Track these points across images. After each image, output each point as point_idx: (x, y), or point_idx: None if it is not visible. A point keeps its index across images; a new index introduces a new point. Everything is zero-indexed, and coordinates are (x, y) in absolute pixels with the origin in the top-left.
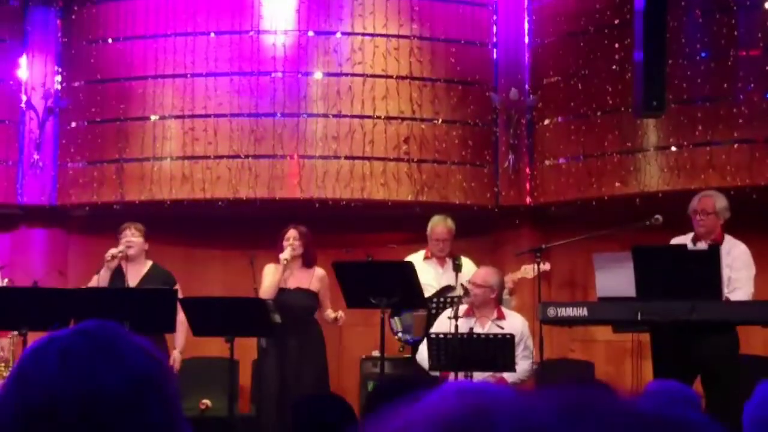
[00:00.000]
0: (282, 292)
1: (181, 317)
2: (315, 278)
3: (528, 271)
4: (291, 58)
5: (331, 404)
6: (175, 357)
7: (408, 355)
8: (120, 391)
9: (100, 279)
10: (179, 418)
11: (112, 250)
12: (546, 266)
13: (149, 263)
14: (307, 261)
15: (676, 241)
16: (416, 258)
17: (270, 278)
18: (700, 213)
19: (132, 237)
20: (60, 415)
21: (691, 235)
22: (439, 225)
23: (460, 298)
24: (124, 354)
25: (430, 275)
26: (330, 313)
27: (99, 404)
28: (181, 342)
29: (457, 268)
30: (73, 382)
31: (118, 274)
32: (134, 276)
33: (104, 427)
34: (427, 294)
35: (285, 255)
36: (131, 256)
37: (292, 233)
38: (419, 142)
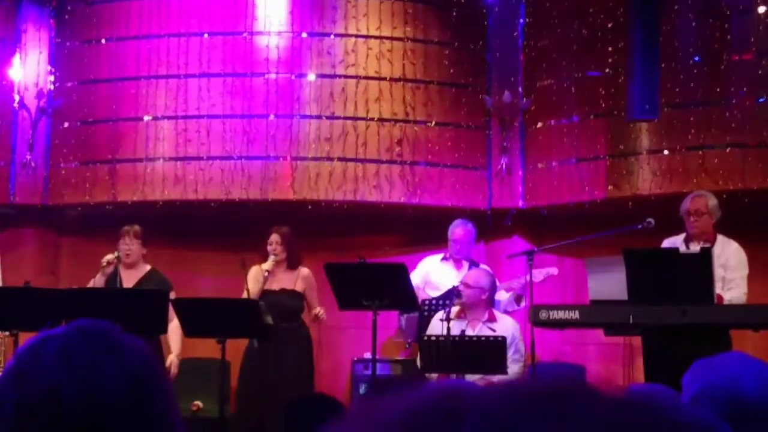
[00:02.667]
0: (266, 293)
1: (175, 322)
2: (300, 278)
3: (536, 275)
4: (284, 60)
5: (324, 404)
6: (172, 361)
7: (400, 358)
8: (122, 388)
9: (96, 284)
10: (176, 415)
11: (108, 256)
12: (553, 270)
13: (147, 268)
14: (291, 262)
15: (667, 242)
16: (435, 259)
17: (252, 284)
18: (693, 214)
19: (130, 245)
20: (62, 411)
21: (683, 236)
22: (458, 227)
23: (452, 300)
24: (124, 351)
25: (446, 276)
26: (314, 310)
27: (101, 400)
28: (176, 346)
29: None
30: (75, 378)
31: (114, 278)
32: (129, 281)
33: (106, 422)
34: (438, 293)
35: (266, 266)
36: (128, 263)
37: (274, 238)
38: (412, 144)
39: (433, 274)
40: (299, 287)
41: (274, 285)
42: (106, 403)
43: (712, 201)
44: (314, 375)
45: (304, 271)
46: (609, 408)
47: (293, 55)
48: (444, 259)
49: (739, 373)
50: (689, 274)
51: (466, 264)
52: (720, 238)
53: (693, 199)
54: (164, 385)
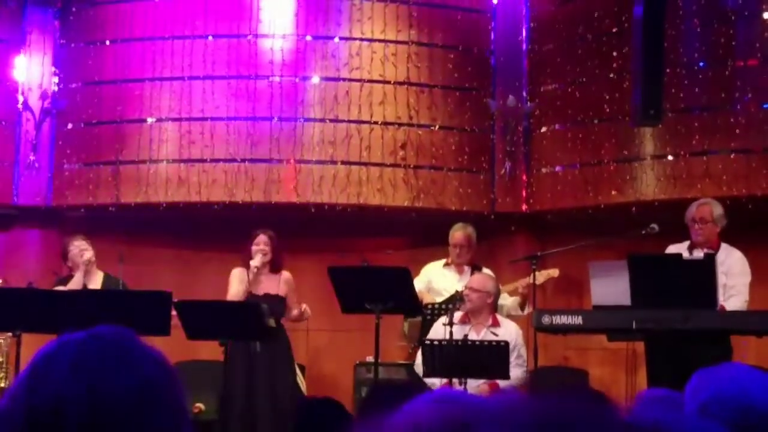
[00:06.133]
0: (251, 298)
1: None
2: (282, 282)
3: (537, 276)
4: (289, 63)
5: (330, 408)
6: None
7: (402, 361)
8: (127, 398)
9: (73, 284)
10: (185, 425)
11: (88, 256)
12: (554, 272)
13: (101, 274)
14: (275, 266)
15: (671, 249)
16: (437, 264)
17: (237, 284)
18: (698, 221)
19: (86, 244)
20: (65, 416)
21: (687, 243)
22: (458, 231)
23: (455, 304)
24: (136, 361)
25: (448, 281)
26: (294, 312)
27: (105, 409)
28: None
29: None
30: (82, 385)
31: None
32: (91, 286)
33: (110, 431)
34: (441, 299)
35: (255, 262)
36: (91, 262)
37: (262, 239)
38: (416, 148)
39: (435, 280)
40: (282, 291)
41: (259, 290)
42: (110, 413)
43: (718, 209)
44: (297, 377)
45: (286, 274)
46: (619, 429)
47: (297, 58)
48: (446, 264)
49: (748, 382)
50: (692, 280)
51: (467, 269)
52: (724, 246)
53: (698, 206)
54: (175, 400)
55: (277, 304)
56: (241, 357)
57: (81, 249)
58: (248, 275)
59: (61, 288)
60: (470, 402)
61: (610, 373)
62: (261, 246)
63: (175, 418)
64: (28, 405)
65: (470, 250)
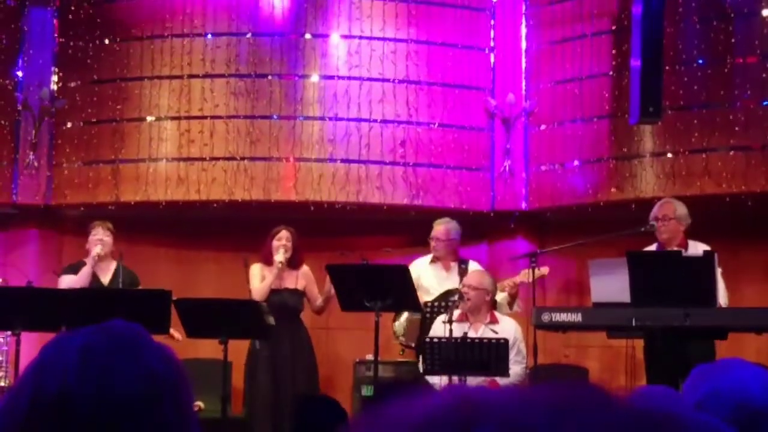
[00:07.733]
0: (273, 292)
1: None
2: (300, 277)
3: (528, 274)
4: (288, 61)
5: (326, 406)
6: None
7: (401, 359)
8: (135, 391)
9: (83, 277)
10: (191, 421)
11: (97, 250)
12: (544, 270)
13: (114, 263)
14: (294, 262)
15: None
16: (423, 261)
17: (267, 279)
18: (661, 219)
19: (104, 236)
20: (72, 407)
21: (655, 244)
22: (439, 225)
23: (454, 302)
24: (144, 355)
25: (434, 279)
26: (319, 300)
27: (112, 401)
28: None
29: (463, 272)
30: (90, 376)
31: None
32: (102, 275)
33: (115, 423)
34: (429, 297)
35: (280, 258)
36: (102, 255)
37: (285, 234)
38: (415, 145)
39: (423, 278)
40: (300, 285)
41: (280, 284)
42: (116, 406)
43: (681, 209)
44: (318, 371)
45: (304, 267)
46: (627, 416)
47: (297, 56)
48: (432, 261)
49: (746, 378)
50: (692, 277)
51: (454, 265)
52: (692, 243)
53: (660, 205)
54: (182, 396)
55: (298, 298)
56: (267, 355)
57: (96, 239)
58: (268, 271)
59: (67, 276)
60: (477, 388)
61: (610, 370)
62: (283, 242)
63: (181, 413)
64: (32, 397)
65: (447, 245)
